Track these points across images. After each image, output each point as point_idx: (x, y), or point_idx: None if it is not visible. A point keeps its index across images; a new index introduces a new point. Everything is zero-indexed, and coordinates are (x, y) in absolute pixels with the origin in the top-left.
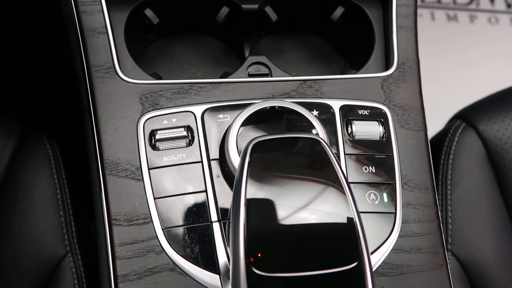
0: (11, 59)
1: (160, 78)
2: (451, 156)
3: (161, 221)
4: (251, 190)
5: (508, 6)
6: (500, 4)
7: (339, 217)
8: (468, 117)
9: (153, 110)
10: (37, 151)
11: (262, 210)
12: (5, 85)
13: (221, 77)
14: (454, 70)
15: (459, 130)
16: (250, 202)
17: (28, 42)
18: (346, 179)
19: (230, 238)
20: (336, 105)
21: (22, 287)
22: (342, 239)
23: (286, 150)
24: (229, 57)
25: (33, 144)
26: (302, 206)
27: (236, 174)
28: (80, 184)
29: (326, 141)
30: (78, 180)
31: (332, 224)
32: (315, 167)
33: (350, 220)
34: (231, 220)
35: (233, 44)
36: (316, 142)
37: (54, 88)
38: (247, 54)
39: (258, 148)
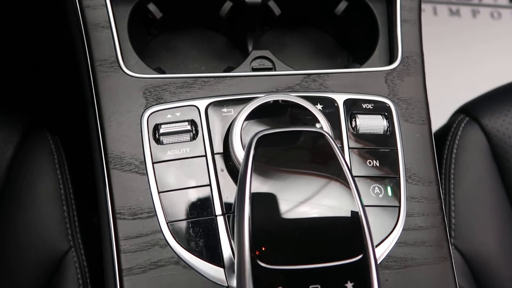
0: (12, 55)
1: (164, 73)
2: (455, 150)
3: (166, 215)
4: (256, 184)
5: (511, 0)
6: None
7: (344, 211)
8: (471, 111)
9: (157, 104)
10: (40, 147)
11: (266, 203)
12: (7, 81)
13: (224, 71)
14: (456, 65)
15: (463, 124)
16: (254, 196)
17: (30, 37)
18: (351, 172)
19: (235, 232)
20: (340, 99)
21: (26, 281)
22: (347, 232)
23: (290, 144)
24: (232, 51)
25: (36, 140)
26: (307, 199)
27: (241, 168)
28: (83, 179)
29: (330, 134)
30: (81, 175)
31: (337, 218)
32: (320, 160)
33: (355, 213)
34: (236, 213)
35: (236, 38)
36: (320, 136)
37: (56, 83)
38: (250, 48)
39: (263, 142)
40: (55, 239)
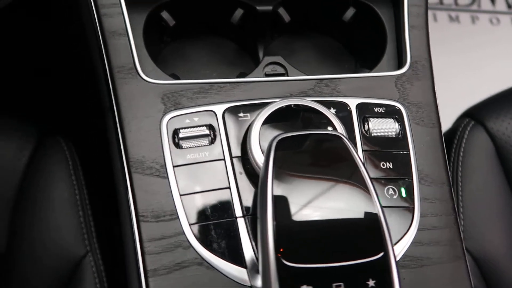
0: (25, 63)
1: (178, 79)
2: (461, 153)
3: (187, 217)
4: (277, 187)
5: (509, 6)
6: (501, 5)
7: (364, 212)
8: (476, 115)
9: (175, 109)
10: (54, 153)
11: (288, 205)
12: (20, 88)
13: (238, 77)
14: (457, 70)
15: (468, 128)
16: (276, 198)
17: (42, 45)
18: (368, 175)
19: (259, 233)
20: (352, 103)
21: (42, 287)
22: (367, 232)
23: (309, 147)
24: (242, 58)
25: (50, 146)
26: (328, 201)
27: (262, 171)
28: (98, 184)
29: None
30: (96, 181)
31: (357, 218)
32: (338, 163)
33: (374, 214)
34: (259, 215)
35: (246, 45)
36: (338, 139)
37: (68, 90)
38: (260, 55)
39: (282, 145)
40: (71, 244)
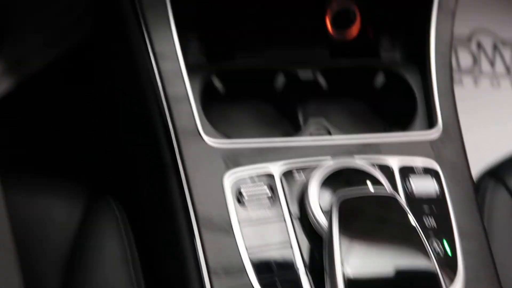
0: (69, 125)
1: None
2: (485, 212)
3: (255, 271)
4: (343, 245)
5: (508, 70)
6: (500, 68)
7: (423, 269)
8: (497, 174)
9: (235, 167)
10: (105, 212)
11: (354, 262)
12: (65, 149)
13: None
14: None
15: (489, 187)
16: (343, 256)
17: (87, 108)
18: (423, 234)
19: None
20: (395, 164)
21: None
22: (427, 285)
23: (369, 207)
24: (281, 120)
25: (100, 206)
26: (390, 257)
27: (327, 231)
28: (149, 241)
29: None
30: (146, 238)
31: (417, 273)
32: (397, 223)
33: (432, 270)
34: (328, 270)
35: (285, 108)
36: (394, 201)
37: (115, 151)
38: (300, 118)
39: (344, 206)
40: None
